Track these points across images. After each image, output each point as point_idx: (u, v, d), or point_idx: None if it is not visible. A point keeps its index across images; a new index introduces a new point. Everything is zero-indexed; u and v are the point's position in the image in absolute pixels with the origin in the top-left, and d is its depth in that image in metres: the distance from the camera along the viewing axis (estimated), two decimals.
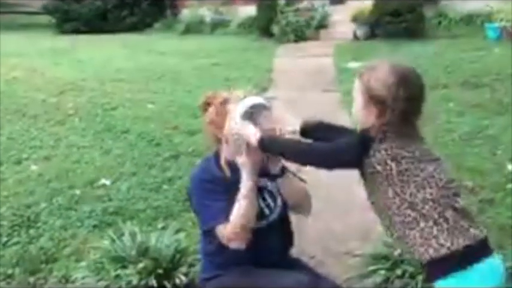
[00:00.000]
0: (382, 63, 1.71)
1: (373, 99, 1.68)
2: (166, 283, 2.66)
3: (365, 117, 1.73)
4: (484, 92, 6.15)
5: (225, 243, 1.94)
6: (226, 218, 1.92)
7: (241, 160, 1.92)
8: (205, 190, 2.01)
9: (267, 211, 2.06)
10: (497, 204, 3.62)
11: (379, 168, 1.66)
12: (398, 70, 1.67)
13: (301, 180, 2.16)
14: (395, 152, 1.66)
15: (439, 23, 10.36)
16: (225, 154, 2.02)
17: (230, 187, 1.96)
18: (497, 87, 6.25)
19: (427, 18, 10.16)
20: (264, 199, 2.06)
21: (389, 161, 1.65)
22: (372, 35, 10.30)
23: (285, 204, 2.11)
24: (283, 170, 2.03)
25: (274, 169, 2.01)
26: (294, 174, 2.14)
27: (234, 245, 1.93)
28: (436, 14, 10.53)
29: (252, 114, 1.91)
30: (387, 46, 9.38)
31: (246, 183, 1.92)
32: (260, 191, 2.03)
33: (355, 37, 10.51)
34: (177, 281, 2.69)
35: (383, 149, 1.66)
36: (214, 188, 1.99)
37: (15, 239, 3.51)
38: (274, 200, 2.09)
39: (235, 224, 1.90)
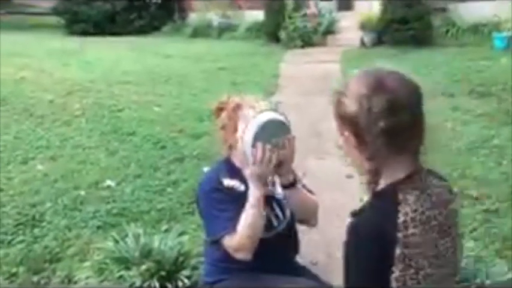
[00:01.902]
0: (357, 72, 1.30)
1: (344, 122, 1.24)
2: (169, 285, 2.67)
3: (353, 155, 1.28)
4: (491, 102, 6.13)
5: (231, 253, 1.93)
6: (233, 229, 1.91)
7: (248, 172, 1.91)
8: (213, 199, 2.00)
9: (275, 222, 2.04)
10: (502, 214, 3.61)
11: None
12: (373, 76, 1.24)
13: (310, 192, 2.14)
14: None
15: (447, 31, 10.35)
16: (236, 161, 2.02)
17: (239, 196, 1.95)
18: (504, 97, 6.23)
19: (434, 26, 10.15)
20: (272, 209, 2.05)
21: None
22: (379, 42, 10.30)
23: (293, 215, 2.09)
24: (294, 181, 2.00)
25: (285, 180, 1.99)
26: (304, 186, 2.12)
27: (240, 255, 1.92)
28: (444, 22, 10.51)
29: (266, 133, 1.81)
30: (394, 53, 9.37)
31: (253, 194, 1.90)
32: (269, 201, 2.01)
33: (362, 44, 10.51)
34: (180, 283, 2.70)
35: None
36: (223, 197, 1.98)
37: (19, 238, 3.53)
38: (283, 211, 2.07)
39: (241, 235, 1.89)
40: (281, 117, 1.91)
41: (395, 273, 1.17)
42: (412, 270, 1.17)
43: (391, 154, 1.22)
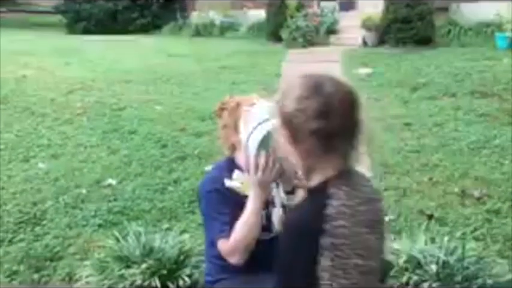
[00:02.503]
0: (301, 75, 1.35)
1: (283, 120, 1.31)
2: (169, 284, 2.66)
3: (289, 154, 1.33)
4: (493, 102, 6.12)
5: (224, 257, 1.94)
6: (229, 233, 1.91)
7: (251, 180, 1.90)
8: (213, 200, 2.00)
9: (276, 224, 2.04)
10: (504, 214, 3.60)
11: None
12: (309, 79, 1.31)
13: None
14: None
15: (449, 31, 10.34)
16: (238, 161, 2.02)
17: (240, 198, 1.95)
18: (506, 97, 6.21)
19: (437, 26, 10.14)
20: (268, 211, 2.04)
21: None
22: (381, 42, 10.29)
23: None
24: (295, 187, 1.98)
25: (287, 187, 1.99)
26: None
27: (232, 260, 1.92)
28: (446, 22, 10.50)
29: (270, 142, 1.77)
30: (396, 53, 9.37)
31: (253, 202, 1.88)
32: (271, 202, 2.01)
33: (365, 43, 10.51)
34: (181, 282, 2.70)
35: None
36: (223, 198, 1.98)
37: (20, 236, 3.53)
38: (285, 213, 2.06)
39: (236, 240, 1.89)
40: None
41: (325, 262, 1.22)
42: (340, 260, 1.22)
43: (323, 154, 1.28)
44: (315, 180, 1.31)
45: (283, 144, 1.33)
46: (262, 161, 1.82)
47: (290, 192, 2.00)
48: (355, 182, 1.32)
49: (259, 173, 1.83)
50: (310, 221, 1.25)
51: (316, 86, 1.28)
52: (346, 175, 1.31)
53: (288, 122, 1.29)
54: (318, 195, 1.27)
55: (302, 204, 1.34)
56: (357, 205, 1.27)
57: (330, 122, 1.25)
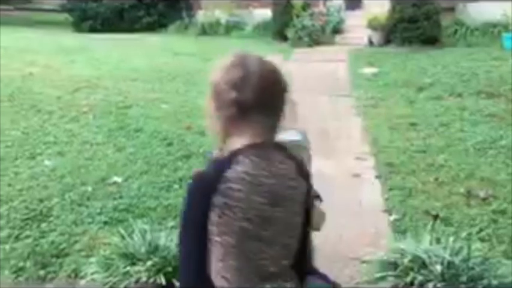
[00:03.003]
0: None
1: (210, 88, 1.42)
2: (174, 281, 2.67)
3: (211, 119, 1.43)
4: (499, 102, 6.10)
5: None
6: None
7: None
8: None
9: None
10: (510, 215, 3.59)
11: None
12: (240, 55, 1.42)
13: (318, 197, 2.12)
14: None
15: (456, 31, 10.30)
16: None
17: None
18: None
19: (443, 26, 10.10)
20: None
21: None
22: (387, 41, 10.27)
23: None
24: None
25: None
26: (318, 196, 2.11)
27: None
28: (453, 22, 10.46)
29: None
30: (402, 53, 9.34)
31: None
32: None
33: (370, 43, 10.49)
34: None
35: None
36: None
37: (27, 233, 3.55)
38: None
39: None
40: (297, 137, 1.92)
41: (214, 218, 1.29)
42: (228, 219, 1.29)
43: (240, 123, 1.36)
44: (231, 147, 1.37)
45: (209, 112, 1.42)
46: None
47: None
48: (268, 156, 1.37)
49: None
50: (209, 179, 1.32)
51: (241, 62, 1.38)
52: (260, 147, 1.36)
53: (213, 90, 1.39)
54: (227, 159, 1.34)
55: (210, 164, 1.40)
56: (262, 176, 1.33)
57: (246, 94, 1.34)
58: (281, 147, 1.42)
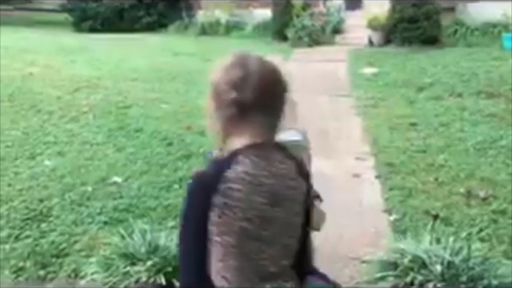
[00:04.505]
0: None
1: (211, 88, 1.41)
2: (174, 281, 2.67)
3: (210, 119, 1.42)
4: (499, 102, 6.10)
5: None
6: None
7: None
8: None
9: None
10: (510, 215, 3.59)
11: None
12: (241, 55, 1.41)
13: (318, 197, 2.12)
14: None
15: (456, 31, 10.30)
16: None
17: None
18: None
19: (443, 26, 10.10)
20: None
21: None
22: (387, 41, 10.27)
23: None
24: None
25: None
26: (318, 196, 2.10)
27: None
28: (453, 22, 10.46)
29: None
30: (402, 52, 9.34)
31: None
32: None
33: (370, 43, 10.48)
34: None
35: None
36: None
37: (27, 233, 3.55)
38: None
39: None
40: (297, 137, 1.92)
41: (214, 218, 1.28)
42: (228, 219, 1.28)
43: (240, 123, 1.36)
44: (231, 147, 1.36)
45: (209, 112, 1.41)
46: None
47: None
48: (268, 156, 1.37)
49: None
50: (209, 178, 1.31)
51: (241, 61, 1.38)
52: (260, 147, 1.36)
53: (213, 89, 1.38)
54: (227, 159, 1.33)
55: (210, 164, 1.39)
56: (261, 176, 1.33)
57: (246, 94, 1.33)
58: (281, 147, 1.42)
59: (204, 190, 1.30)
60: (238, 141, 1.36)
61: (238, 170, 1.31)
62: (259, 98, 1.35)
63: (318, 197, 2.13)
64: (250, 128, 1.36)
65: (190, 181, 1.38)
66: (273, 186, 1.34)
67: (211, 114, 1.41)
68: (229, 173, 1.30)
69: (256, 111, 1.35)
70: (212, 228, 1.29)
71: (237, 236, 1.30)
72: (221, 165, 1.32)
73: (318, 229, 2.13)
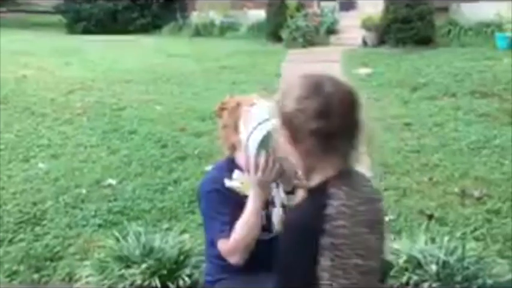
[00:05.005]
0: (300, 75, 1.35)
1: (283, 120, 1.30)
2: (170, 284, 2.67)
3: (289, 153, 1.33)
4: (493, 102, 6.12)
5: (224, 257, 1.94)
6: (229, 233, 1.91)
7: (251, 180, 1.89)
8: (213, 200, 2.00)
9: (276, 224, 2.04)
10: (504, 214, 3.60)
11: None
12: (309, 79, 1.31)
13: None
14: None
15: (449, 31, 10.33)
16: (239, 161, 2.01)
17: (240, 198, 1.95)
18: (506, 97, 6.21)
19: (437, 26, 10.13)
20: (268, 211, 2.04)
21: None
22: (381, 42, 10.29)
23: None
24: (295, 188, 1.98)
25: (287, 187, 1.99)
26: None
27: (232, 260, 1.93)
28: (447, 22, 10.50)
29: (270, 142, 1.76)
30: (396, 53, 9.36)
31: (253, 202, 1.88)
32: (271, 202, 2.01)
33: (364, 43, 10.50)
34: (181, 282, 2.70)
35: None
36: (223, 198, 1.98)
37: (20, 236, 3.53)
38: (285, 213, 2.06)
39: (236, 241, 1.89)
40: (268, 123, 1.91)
41: (325, 262, 1.21)
42: (341, 260, 1.21)
43: (323, 154, 1.28)
44: (315, 180, 1.31)
45: (283, 144, 1.33)
46: (262, 161, 1.82)
47: (290, 192, 2.00)
48: (355, 182, 1.31)
49: (259, 173, 1.84)
50: (310, 221, 1.24)
51: (316, 86, 1.28)
52: (346, 175, 1.30)
53: (288, 122, 1.29)
54: (318, 195, 1.27)
55: (302, 204, 1.33)
56: (356, 205, 1.26)
57: (329, 122, 1.25)
58: (357, 170, 1.36)
59: (309, 233, 1.22)
60: (323, 173, 1.30)
61: (335, 204, 1.23)
62: (341, 125, 1.27)
63: None
64: (335, 156, 1.29)
65: (290, 225, 1.30)
66: (366, 213, 1.29)
67: (285, 148, 1.32)
68: (329, 210, 1.23)
69: (340, 138, 1.28)
70: (323, 274, 1.21)
71: (351, 276, 1.22)
72: (316, 204, 1.25)
73: None
